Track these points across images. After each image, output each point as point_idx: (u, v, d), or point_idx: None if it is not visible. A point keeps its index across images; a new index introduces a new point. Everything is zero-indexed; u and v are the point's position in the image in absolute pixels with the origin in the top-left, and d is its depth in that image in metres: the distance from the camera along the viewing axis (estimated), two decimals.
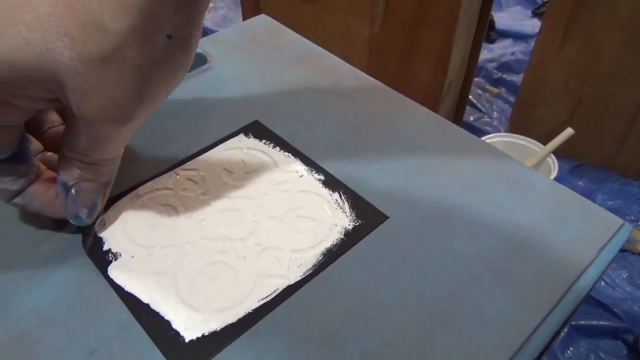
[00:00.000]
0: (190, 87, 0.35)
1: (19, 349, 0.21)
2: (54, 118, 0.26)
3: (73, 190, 0.22)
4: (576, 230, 0.27)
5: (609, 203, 0.94)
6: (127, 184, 0.28)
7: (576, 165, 1.01)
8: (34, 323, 0.22)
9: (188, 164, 0.29)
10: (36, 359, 0.21)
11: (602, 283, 0.82)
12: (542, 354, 0.23)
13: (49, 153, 0.25)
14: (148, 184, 0.28)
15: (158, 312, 0.22)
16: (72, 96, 0.19)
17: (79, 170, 0.22)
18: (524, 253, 0.25)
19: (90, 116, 0.20)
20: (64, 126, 0.25)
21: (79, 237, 0.26)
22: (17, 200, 0.23)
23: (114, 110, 0.20)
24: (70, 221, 0.24)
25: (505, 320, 0.23)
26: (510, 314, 0.23)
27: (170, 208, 0.27)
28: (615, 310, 0.78)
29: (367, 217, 0.27)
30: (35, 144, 0.25)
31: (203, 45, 0.38)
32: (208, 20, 1.37)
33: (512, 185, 0.29)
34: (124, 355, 0.21)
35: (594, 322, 0.76)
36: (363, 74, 0.37)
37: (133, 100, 0.20)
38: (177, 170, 0.29)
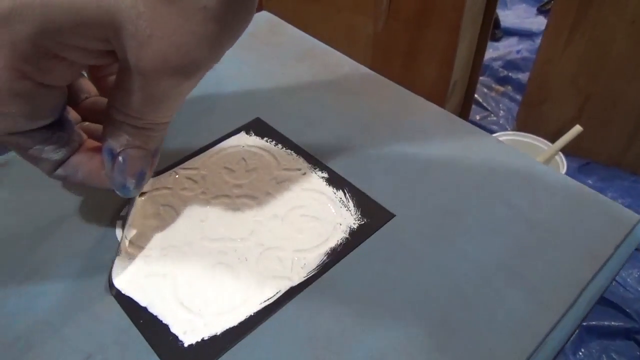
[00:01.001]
0: None
1: (14, 354, 0.21)
2: (89, 88, 0.25)
3: (120, 158, 0.21)
4: (591, 227, 0.26)
5: (619, 201, 0.92)
6: None
7: (585, 163, 1.00)
8: (29, 327, 0.21)
9: (187, 163, 0.29)
10: None
11: (613, 282, 0.81)
12: (556, 356, 0.22)
13: (87, 123, 0.24)
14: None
15: (156, 316, 0.22)
16: (130, 43, 0.18)
17: (127, 135, 0.20)
18: (536, 252, 0.24)
19: (150, 67, 0.18)
20: (100, 96, 0.24)
21: (74, 240, 0.25)
22: (60, 171, 0.21)
23: (177, 59, 0.18)
24: (117, 192, 0.22)
25: (518, 322, 0.22)
26: (524, 316, 0.22)
27: (170, 208, 0.26)
28: (627, 310, 0.76)
29: (373, 215, 0.26)
30: (73, 114, 0.24)
31: None
32: None
33: (524, 181, 0.28)
34: None
35: (606, 323, 0.75)
36: (367, 69, 0.36)
37: (198, 47, 0.18)
38: (177, 169, 0.28)
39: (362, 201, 0.26)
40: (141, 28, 0.17)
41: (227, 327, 0.21)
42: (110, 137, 0.20)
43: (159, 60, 0.18)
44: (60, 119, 0.20)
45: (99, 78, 0.25)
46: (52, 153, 0.21)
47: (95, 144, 0.22)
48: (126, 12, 0.17)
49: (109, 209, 0.26)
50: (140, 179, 0.22)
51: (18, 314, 0.22)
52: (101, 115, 0.22)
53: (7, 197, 0.27)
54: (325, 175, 0.28)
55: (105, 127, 0.21)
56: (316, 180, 0.28)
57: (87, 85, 0.25)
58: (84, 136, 0.22)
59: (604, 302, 0.77)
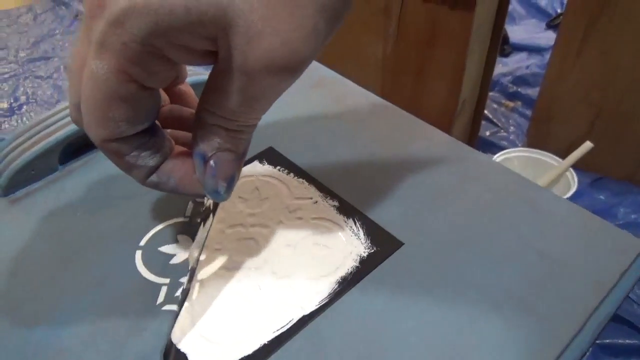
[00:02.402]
0: None
1: None
2: (164, 96, 0.25)
3: (212, 162, 0.20)
4: (597, 254, 0.26)
5: (632, 216, 0.92)
6: (147, 214, 0.29)
7: (596, 178, 0.99)
8: (52, 356, 0.22)
9: None
10: None
11: (629, 301, 0.80)
12: None
13: (169, 130, 0.24)
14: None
15: (175, 344, 0.22)
16: (238, 40, 0.17)
17: (219, 139, 0.20)
18: (543, 280, 0.25)
19: (256, 65, 0.18)
20: (173, 105, 0.24)
21: (96, 269, 0.26)
22: (153, 178, 0.21)
23: (285, 56, 0.18)
24: (209, 197, 0.22)
25: (526, 350, 0.22)
26: (532, 343, 0.22)
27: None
28: None
29: (382, 243, 0.26)
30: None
31: None
32: None
33: (531, 209, 0.28)
34: None
35: (620, 341, 0.74)
36: (378, 97, 0.37)
37: (306, 42, 0.18)
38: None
39: (372, 229, 0.27)
40: (252, 24, 0.17)
41: (242, 356, 0.22)
42: (201, 141, 0.20)
43: (267, 58, 0.17)
44: (153, 124, 0.20)
45: (167, 87, 0.25)
46: (148, 159, 0.20)
47: (182, 149, 0.22)
48: (239, 6, 0.16)
49: (130, 239, 0.27)
50: (231, 183, 0.21)
51: (44, 342, 0.23)
52: (178, 122, 0.23)
53: (33, 226, 0.28)
54: (336, 203, 0.29)
55: (195, 131, 0.20)
56: (327, 208, 0.28)
57: (162, 94, 0.25)
58: (173, 142, 0.22)
59: (619, 320, 0.77)
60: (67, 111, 0.32)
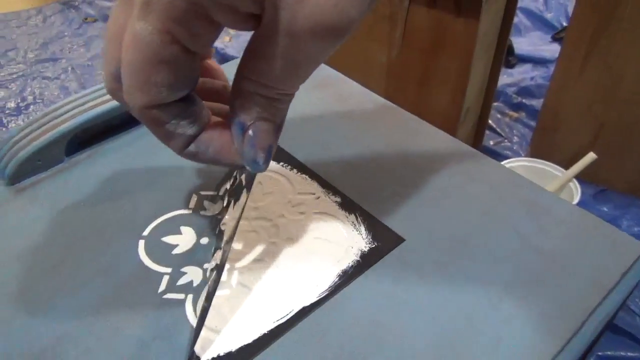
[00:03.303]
0: None
1: None
2: None
3: (250, 132, 0.20)
4: (597, 255, 0.26)
5: (635, 229, 0.92)
6: (150, 205, 0.29)
7: (600, 190, 0.99)
8: (54, 341, 0.22)
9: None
10: None
11: (631, 313, 0.79)
12: None
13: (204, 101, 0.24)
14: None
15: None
16: (286, 0, 0.17)
17: (258, 107, 0.20)
18: (543, 278, 0.25)
19: (304, 28, 0.17)
20: (204, 78, 0.24)
21: (99, 257, 0.26)
22: (192, 147, 0.21)
23: (333, 17, 0.17)
24: (247, 167, 0.21)
25: (524, 347, 0.22)
26: (530, 341, 0.22)
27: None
28: None
29: (383, 239, 0.27)
30: None
31: (227, 69, 0.39)
32: (230, 48, 1.40)
33: (532, 209, 0.29)
34: None
35: (622, 353, 0.74)
36: (381, 98, 0.37)
37: (357, 2, 0.17)
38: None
39: (373, 225, 0.27)
40: None
41: (242, 345, 0.22)
42: (240, 110, 0.20)
43: (315, 20, 0.17)
44: (191, 93, 0.20)
45: None
46: (187, 128, 0.20)
47: (218, 119, 0.22)
48: None
49: (133, 229, 0.28)
50: (269, 153, 0.21)
51: (45, 328, 0.23)
52: (210, 94, 0.23)
53: (37, 216, 0.29)
54: (338, 199, 0.29)
55: (234, 99, 0.20)
56: (329, 204, 0.29)
57: None
58: (210, 112, 0.21)
59: (620, 332, 0.76)
60: (75, 103, 0.32)
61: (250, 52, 0.19)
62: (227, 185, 0.29)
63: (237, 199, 0.25)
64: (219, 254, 0.25)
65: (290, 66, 0.19)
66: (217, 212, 0.28)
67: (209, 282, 0.24)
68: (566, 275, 0.25)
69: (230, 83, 0.21)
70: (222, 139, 0.21)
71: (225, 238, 0.25)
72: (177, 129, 0.20)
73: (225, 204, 0.28)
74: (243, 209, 0.23)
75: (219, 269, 0.23)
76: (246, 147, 0.20)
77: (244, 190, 0.24)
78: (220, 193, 0.29)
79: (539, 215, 0.28)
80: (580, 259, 0.26)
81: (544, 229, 0.27)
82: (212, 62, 0.25)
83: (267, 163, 0.21)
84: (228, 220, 0.26)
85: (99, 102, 0.32)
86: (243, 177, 0.25)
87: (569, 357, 0.22)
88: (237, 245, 0.26)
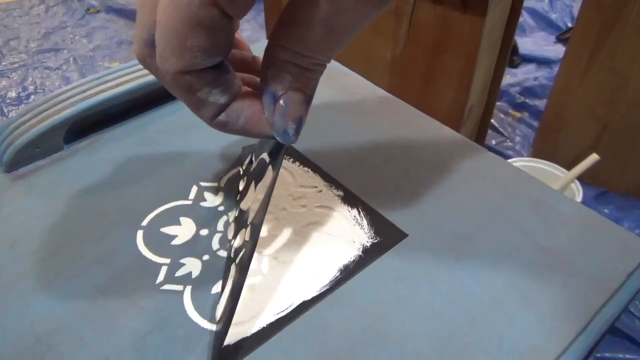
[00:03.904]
0: None
1: (34, 355, 0.21)
2: None
3: (282, 102, 0.20)
4: (603, 254, 0.26)
5: (636, 232, 0.91)
6: (150, 195, 0.29)
7: (601, 192, 0.99)
8: (50, 330, 0.22)
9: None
10: None
11: (630, 315, 0.79)
12: None
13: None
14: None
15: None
16: None
17: (290, 77, 0.20)
18: (548, 277, 0.25)
19: None
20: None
21: (97, 247, 0.26)
22: (222, 117, 0.20)
23: None
24: (277, 138, 0.21)
25: (527, 346, 0.22)
26: (533, 340, 0.22)
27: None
28: None
29: (386, 234, 0.26)
30: None
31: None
32: None
33: (537, 207, 0.28)
34: None
35: (620, 355, 0.74)
36: (384, 92, 0.37)
37: None
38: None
39: (376, 220, 0.27)
40: None
41: (240, 338, 0.22)
42: (271, 79, 0.20)
43: None
44: (224, 61, 0.20)
45: None
46: (219, 96, 0.20)
47: (248, 89, 0.22)
48: None
49: (132, 219, 0.27)
50: (300, 125, 0.21)
51: (40, 317, 0.23)
52: (239, 65, 0.23)
53: (34, 203, 0.28)
54: (341, 193, 0.28)
55: (266, 69, 0.20)
56: (332, 198, 0.28)
57: None
58: (241, 81, 0.21)
59: (619, 334, 0.76)
60: (75, 90, 0.32)
61: (286, 20, 0.19)
62: (236, 171, 0.29)
63: (258, 180, 0.25)
64: (245, 233, 0.24)
65: (328, 34, 0.18)
66: (217, 204, 0.28)
67: (235, 268, 0.23)
68: (571, 274, 0.25)
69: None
70: (253, 108, 0.21)
71: (251, 219, 0.24)
72: (209, 97, 0.19)
73: (243, 187, 0.28)
74: (272, 187, 0.23)
75: (250, 251, 0.22)
76: (277, 117, 0.20)
77: (269, 169, 0.23)
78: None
79: (545, 213, 0.28)
80: (586, 258, 0.25)
81: (550, 227, 0.27)
82: (239, 34, 0.24)
83: (297, 134, 0.21)
84: (250, 201, 0.26)
85: (100, 90, 0.32)
86: (265, 155, 0.25)
87: (572, 358, 0.22)
88: (237, 237, 0.26)
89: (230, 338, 0.22)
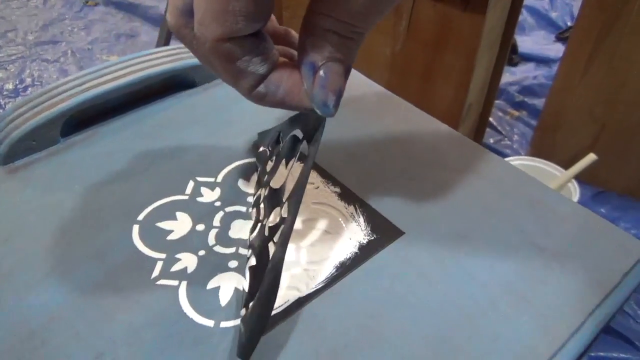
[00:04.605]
0: (211, 97, 0.36)
1: (28, 349, 0.21)
2: None
3: (322, 72, 0.19)
4: (599, 254, 0.26)
5: (632, 232, 0.91)
6: (146, 190, 0.28)
7: (598, 192, 0.99)
8: (44, 324, 0.22)
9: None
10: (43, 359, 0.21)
11: (624, 314, 0.79)
12: None
13: None
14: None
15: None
16: None
17: (330, 46, 0.19)
18: (544, 277, 0.25)
19: None
20: None
21: (92, 241, 0.26)
22: (261, 88, 0.20)
23: None
24: (317, 111, 0.20)
25: (522, 345, 0.22)
26: (528, 339, 0.22)
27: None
28: (636, 343, 0.75)
29: (382, 231, 0.26)
30: None
31: None
32: None
33: (534, 206, 0.28)
34: None
35: (615, 355, 0.74)
36: (384, 89, 0.37)
37: None
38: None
39: (373, 217, 0.27)
40: None
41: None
42: (311, 49, 0.19)
43: None
44: (262, 30, 0.19)
45: None
46: (258, 66, 0.19)
47: (286, 60, 0.21)
48: None
49: (127, 213, 0.27)
50: (339, 97, 0.20)
51: (35, 310, 0.23)
52: (273, 37, 0.22)
53: (30, 197, 0.28)
54: (338, 190, 0.28)
55: (305, 37, 0.19)
56: (328, 194, 0.28)
57: None
58: (278, 52, 0.21)
59: (613, 334, 0.76)
60: (73, 83, 0.31)
61: None
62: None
63: (289, 157, 0.25)
64: (282, 210, 0.24)
65: (373, 1, 0.18)
66: (214, 199, 0.28)
67: (275, 244, 0.23)
68: (567, 274, 0.25)
69: None
70: (292, 79, 0.20)
71: (286, 195, 0.24)
72: (249, 67, 0.19)
73: (271, 166, 0.27)
74: (312, 163, 0.22)
75: (290, 226, 0.21)
76: (316, 88, 0.20)
77: (313, 144, 0.23)
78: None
79: (542, 213, 0.28)
80: (582, 258, 0.25)
81: (547, 227, 0.27)
82: None
83: (336, 107, 0.20)
84: (283, 178, 0.25)
85: (97, 83, 0.31)
86: (297, 132, 0.25)
87: (566, 357, 0.22)
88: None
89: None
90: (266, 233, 0.24)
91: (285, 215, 0.23)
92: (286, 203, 0.23)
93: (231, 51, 0.18)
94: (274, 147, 0.29)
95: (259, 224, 0.25)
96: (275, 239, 0.23)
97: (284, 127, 0.28)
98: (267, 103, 0.21)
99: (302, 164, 0.24)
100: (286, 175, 0.25)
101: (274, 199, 0.25)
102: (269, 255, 0.23)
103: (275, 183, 0.26)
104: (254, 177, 0.29)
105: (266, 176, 0.27)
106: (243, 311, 0.22)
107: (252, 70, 0.19)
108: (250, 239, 0.25)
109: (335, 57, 0.19)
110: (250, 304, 0.21)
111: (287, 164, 0.26)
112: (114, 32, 1.45)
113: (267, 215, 0.25)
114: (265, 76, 0.20)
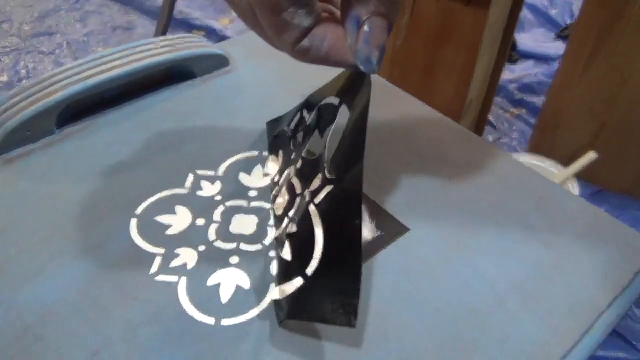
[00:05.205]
0: (211, 88, 0.35)
1: (22, 345, 0.20)
2: None
3: (366, 27, 0.19)
4: (609, 253, 0.25)
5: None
6: (144, 182, 0.28)
7: (597, 190, 0.99)
8: (39, 319, 0.21)
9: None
10: (38, 356, 0.20)
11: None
12: None
13: None
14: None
15: None
16: None
17: (375, 0, 0.19)
18: (552, 275, 0.24)
19: None
20: None
21: (88, 235, 0.25)
22: (305, 42, 0.20)
23: None
24: (361, 67, 0.20)
25: (531, 346, 0.21)
26: (537, 339, 0.22)
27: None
28: (633, 342, 0.75)
29: (387, 228, 0.25)
30: None
31: (225, 48, 0.37)
32: (230, 30, 1.38)
33: (542, 203, 0.27)
34: (128, 359, 0.20)
35: (612, 354, 0.74)
36: (387, 82, 0.36)
37: None
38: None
39: (378, 213, 0.26)
40: None
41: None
42: (356, 2, 0.19)
43: None
44: None
45: None
46: (303, 18, 0.19)
47: (328, 16, 0.21)
48: None
49: (125, 207, 0.26)
50: (382, 53, 0.20)
51: (29, 305, 0.22)
52: None
53: (25, 189, 0.27)
54: None
55: None
56: None
57: None
58: (321, 7, 0.21)
59: (612, 333, 0.76)
60: (69, 73, 0.31)
61: None
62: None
63: (325, 126, 0.25)
64: (325, 172, 0.23)
65: None
66: (214, 193, 0.27)
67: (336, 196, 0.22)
68: (576, 272, 0.24)
69: None
70: (336, 34, 0.20)
71: (328, 157, 0.24)
72: (294, 19, 0.19)
73: (296, 143, 0.27)
74: (366, 114, 0.22)
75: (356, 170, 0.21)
76: (360, 43, 0.20)
77: (360, 111, 0.23)
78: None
79: (550, 210, 0.27)
80: (592, 256, 0.25)
81: (555, 224, 0.26)
82: None
83: (379, 63, 0.20)
84: (321, 147, 0.25)
85: (94, 73, 0.31)
86: (331, 99, 0.25)
87: (578, 357, 0.21)
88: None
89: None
90: (307, 198, 0.23)
91: (330, 175, 0.23)
92: (329, 164, 0.23)
93: (277, 1, 0.18)
94: (299, 121, 0.28)
95: (297, 198, 0.24)
96: (317, 200, 0.22)
97: (303, 105, 0.28)
98: (310, 58, 0.20)
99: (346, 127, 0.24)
100: (324, 144, 0.24)
101: (311, 168, 0.25)
102: (310, 219, 0.22)
103: (307, 154, 0.26)
104: (256, 171, 0.28)
105: (293, 153, 0.27)
106: (275, 291, 0.22)
107: (297, 22, 0.19)
108: (276, 235, 0.25)
109: (380, 12, 0.19)
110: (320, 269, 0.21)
111: (321, 132, 0.25)
112: (110, 24, 1.43)
113: (306, 187, 0.24)
114: (309, 29, 0.20)
